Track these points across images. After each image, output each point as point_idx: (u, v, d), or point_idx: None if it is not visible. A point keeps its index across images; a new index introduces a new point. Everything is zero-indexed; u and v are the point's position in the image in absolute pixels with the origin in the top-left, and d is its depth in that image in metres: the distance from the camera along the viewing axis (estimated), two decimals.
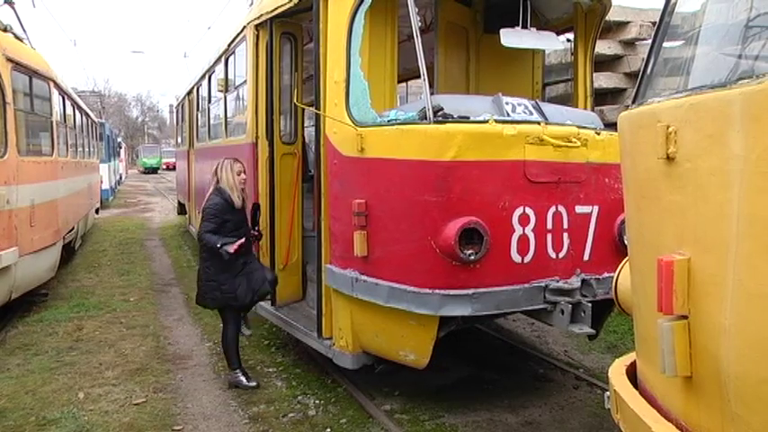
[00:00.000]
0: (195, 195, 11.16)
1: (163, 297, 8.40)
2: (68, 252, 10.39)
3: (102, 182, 19.04)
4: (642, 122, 2.15)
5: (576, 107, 5.34)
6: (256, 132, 5.88)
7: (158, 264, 10.99)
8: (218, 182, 5.03)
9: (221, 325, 5.26)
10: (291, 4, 5.17)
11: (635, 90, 2.49)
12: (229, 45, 7.32)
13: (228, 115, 7.79)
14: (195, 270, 10.35)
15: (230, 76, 7.78)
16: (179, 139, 15.68)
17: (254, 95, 5.93)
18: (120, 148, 33.68)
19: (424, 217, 3.94)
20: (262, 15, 5.71)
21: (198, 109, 10.97)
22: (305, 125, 6.23)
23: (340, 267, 4.49)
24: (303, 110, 5.93)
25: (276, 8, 5.44)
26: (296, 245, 5.87)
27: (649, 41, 2.49)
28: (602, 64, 7.87)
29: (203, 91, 10.26)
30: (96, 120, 17.70)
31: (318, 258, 4.84)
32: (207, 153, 9.36)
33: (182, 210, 14.94)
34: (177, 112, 16.38)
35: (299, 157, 5.89)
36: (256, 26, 5.87)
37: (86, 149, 13.56)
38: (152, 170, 52.65)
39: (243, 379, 5.15)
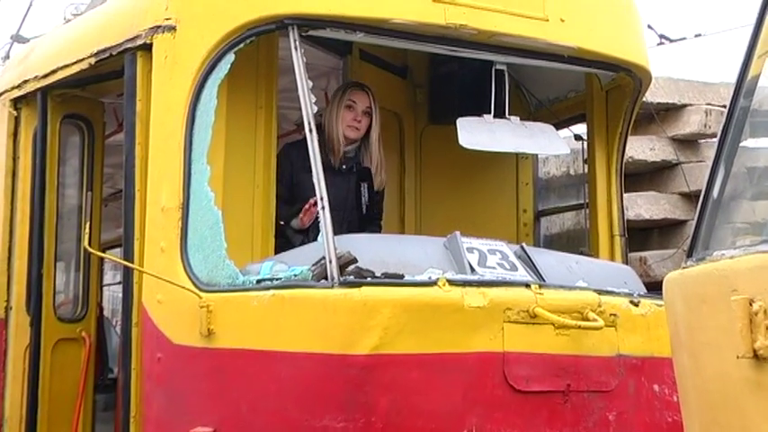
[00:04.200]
0: None
1: None
2: None
3: None
4: (705, 293, 2.22)
5: (597, 255, 5.53)
6: (7, 299, 5.80)
7: None
8: None
9: None
10: (84, 65, 5.26)
11: (692, 232, 2.59)
12: None
13: None
14: None
15: None
16: None
17: (6, 227, 5.89)
18: None
19: None
20: (26, 82, 5.78)
21: None
22: (104, 284, 6.16)
23: None
24: (101, 258, 5.94)
25: (54, 71, 5.52)
26: None
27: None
28: (642, 177, 7.99)
29: None
30: None
31: None
32: None
33: None
34: None
35: (89, 345, 5.79)
36: (15, 101, 5.93)
37: None
38: None
39: None
